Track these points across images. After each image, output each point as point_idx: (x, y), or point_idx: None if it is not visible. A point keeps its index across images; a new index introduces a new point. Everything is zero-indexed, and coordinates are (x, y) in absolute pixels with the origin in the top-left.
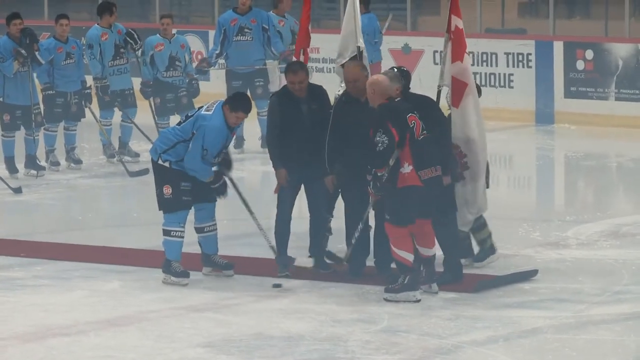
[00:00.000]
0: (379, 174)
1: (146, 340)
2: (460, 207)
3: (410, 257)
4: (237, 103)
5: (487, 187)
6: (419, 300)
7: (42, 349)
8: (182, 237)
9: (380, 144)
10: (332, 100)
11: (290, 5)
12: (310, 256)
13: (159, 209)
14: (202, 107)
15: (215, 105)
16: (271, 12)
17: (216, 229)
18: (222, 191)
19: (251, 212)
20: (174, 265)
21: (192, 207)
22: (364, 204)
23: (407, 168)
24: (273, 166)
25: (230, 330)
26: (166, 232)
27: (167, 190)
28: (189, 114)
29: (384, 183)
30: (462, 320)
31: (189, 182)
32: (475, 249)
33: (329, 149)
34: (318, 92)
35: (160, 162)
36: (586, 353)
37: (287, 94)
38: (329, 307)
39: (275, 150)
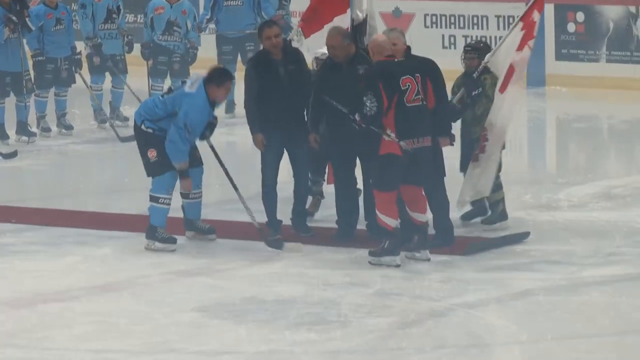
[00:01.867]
0: (362, 124)
1: (138, 305)
2: (463, 186)
3: (392, 222)
4: (221, 77)
5: (500, 170)
6: (398, 265)
7: (34, 314)
8: (169, 204)
9: (369, 109)
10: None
11: None
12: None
13: (147, 175)
14: (185, 81)
15: (197, 83)
16: None
17: (201, 196)
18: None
19: (234, 185)
20: (159, 231)
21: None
22: (350, 170)
23: (388, 137)
24: (250, 131)
25: (223, 295)
26: (153, 199)
27: (152, 154)
28: (172, 88)
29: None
30: (454, 282)
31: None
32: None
33: (312, 112)
34: (294, 54)
35: (143, 127)
36: (578, 315)
37: (263, 57)
38: (321, 271)
39: (252, 115)
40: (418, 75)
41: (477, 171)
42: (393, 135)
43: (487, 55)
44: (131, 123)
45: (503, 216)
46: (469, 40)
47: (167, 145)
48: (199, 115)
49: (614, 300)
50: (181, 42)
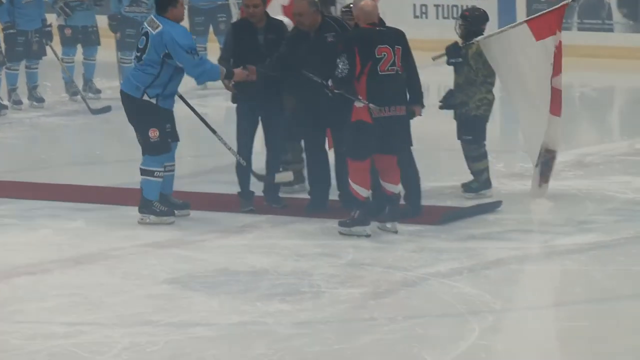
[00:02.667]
0: (334, 90)
1: (112, 277)
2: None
3: (363, 192)
4: None
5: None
6: (369, 235)
7: (7, 287)
8: (162, 177)
9: (340, 71)
10: None
11: None
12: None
13: (144, 153)
14: (144, 33)
15: (157, 20)
16: None
17: (174, 169)
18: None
19: (214, 131)
20: (155, 205)
21: None
22: (321, 140)
23: (360, 102)
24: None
25: (195, 267)
26: (148, 172)
27: (154, 133)
28: (140, 46)
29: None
30: (426, 252)
31: (170, 122)
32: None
33: (269, 63)
34: (276, 25)
35: (146, 97)
36: (551, 283)
37: (245, 23)
38: (293, 241)
39: (221, 63)
40: (399, 47)
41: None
42: (363, 100)
43: (480, 38)
44: (103, 95)
45: (487, 184)
46: (440, 10)
47: (198, 79)
48: (187, 37)
49: (586, 269)
50: (148, 13)
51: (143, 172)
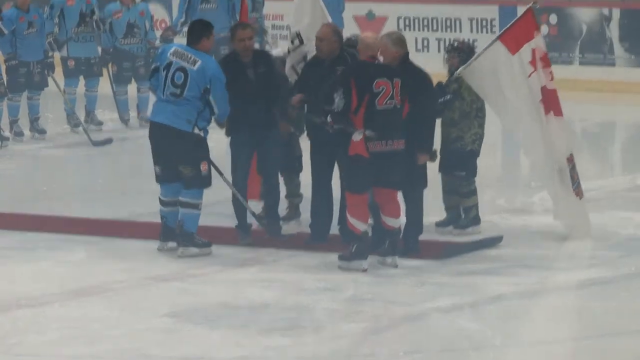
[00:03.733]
0: (333, 126)
1: (112, 310)
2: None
3: (361, 226)
4: (207, 29)
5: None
6: (365, 270)
7: (7, 320)
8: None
9: (336, 106)
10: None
11: None
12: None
13: (193, 186)
14: (179, 68)
15: (192, 54)
16: None
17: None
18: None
19: (220, 173)
20: (197, 237)
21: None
22: (327, 174)
23: (357, 135)
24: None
25: (196, 300)
26: (193, 205)
27: (205, 167)
28: (177, 82)
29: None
30: (427, 287)
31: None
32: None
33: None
34: (264, 57)
35: (196, 131)
36: (552, 319)
37: (233, 59)
38: (294, 275)
39: None
40: (398, 80)
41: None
42: (361, 131)
43: (460, 68)
44: (105, 127)
45: (476, 221)
46: (441, 43)
47: (220, 117)
48: (222, 72)
49: (587, 304)
50: (141, 44)
51: (186, 204)
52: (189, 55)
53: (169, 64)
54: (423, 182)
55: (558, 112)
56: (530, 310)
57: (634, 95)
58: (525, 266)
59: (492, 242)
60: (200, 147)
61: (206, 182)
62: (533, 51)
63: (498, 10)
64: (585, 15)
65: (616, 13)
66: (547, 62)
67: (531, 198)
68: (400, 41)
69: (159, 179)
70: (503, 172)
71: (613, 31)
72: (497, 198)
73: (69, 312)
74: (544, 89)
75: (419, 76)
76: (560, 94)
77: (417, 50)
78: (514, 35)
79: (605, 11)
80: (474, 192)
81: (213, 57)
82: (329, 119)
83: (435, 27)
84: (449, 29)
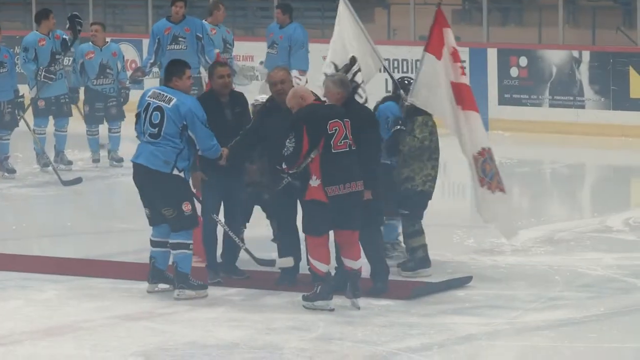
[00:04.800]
0: (289, 172)
1: (82, 349)
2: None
3: (323, 267)
4: (179, 68)
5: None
6: (332, 310)
7: None
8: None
9: (286, 149)
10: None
11: (223, 15)
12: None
13: (178, 228)
14: (155, 107)
15: (169, 94)
16: (205, 20)
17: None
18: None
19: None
20: (192, 279)
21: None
22: (292, 215)
23: (315, 181)
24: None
25: (165, 339)
26: (183, 246)
27: (187, 207)
28: (154, 121)
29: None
30: (396, 327)
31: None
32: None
33: (239, 141)
34: (240, 98)
35: (176, 172)
36: (521, 359)
37: (211, 97)
38: (263, 315)
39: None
40: (347, 120)
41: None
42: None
43: (408, 97)
44: (75, 167)
45: (424, 263)
46: None
47: (207, 153)
48: (201, 110)
49: (556, 345)
50: (113, 84)
51: (177, 245)
52: (165, 95)
53: (147, 106)
54: (379, 220)
55: (469, 107)
56: (499, 351)
57: (603, 138)
58: (494, 307)
59: (461, 282)
60: (180, 188)
61: (191, 222)
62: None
63: (468, 52)
64: (555, 57)
65: (586, 55)
66: (457, 57)
67: (500, 239)
68: (342, 82)
69: (150, 221)
70: (472, 213)
71: (583, 73)
72: (466, 239)
73: (39, 351)
74: (453, 84)
75: (363, 112)
76: (529, 136)
77: (387, 91)
78: (435, 42)
79: (576, 53)
80: (418, 233)
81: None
82: (283, 166)
83: (405, 69)
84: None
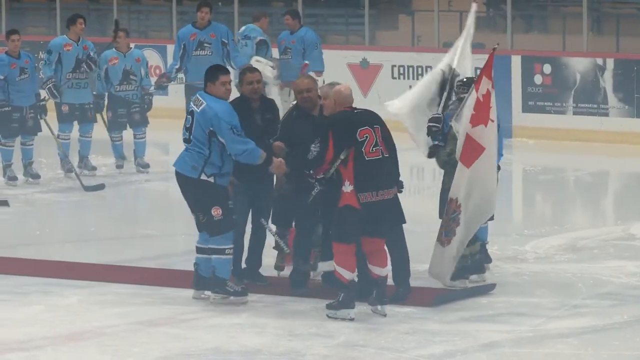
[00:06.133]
0: (317, 177)
1: (104, 355)
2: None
3: (348, 275)
4: (213, 74)
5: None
6: (352, 319)
7: None
8: (232, 254)
9: (310, 153)
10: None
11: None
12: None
13: (210, 234)
14: (189, 112)
15: (201, 98)
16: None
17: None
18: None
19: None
20: (230, 285)
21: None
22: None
23: (348, 187)
24: None
25: (187, 345)
26: (219, 251)
27: (217, 211)
28: (186, 125)
29: (326, 181)
30: (419, 334)
31: (230, 200)
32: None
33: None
34: (270, 104)
35: (204, 177)
36: None
37: (242, 103)
38: (286, 321)
39: None
40: (378, 127)
41: (454, 246)
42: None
43: (452, 121)
44: (99, 172)
45: (485, 259)
46: None
47: (239, 158)
48: (231, 114)
49: (579, 353)
50: (137, 90)
51: (214, 251)
52: (199, 100)
53: (190, 111)
54: (400, 218)
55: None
56: (522, 359)
57: (627, 146)
58: (517, 314)
59: (485, 289)
60: (209, 193)
61: (222, 227)
62: (487, 93)
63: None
64: (579, 64)
65: (610, 63)
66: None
67: (523, 246)
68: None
69: (197, 226)
70: (495, 220)
71: (607, 81)
72: (489, 246)
73: (60, 356)
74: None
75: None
76: (553, 144)
77: None
78: (480, 80)
79: (600, 61)
80: (472, 241)
81: (229, 104)
82: (311, 172)
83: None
84: None
